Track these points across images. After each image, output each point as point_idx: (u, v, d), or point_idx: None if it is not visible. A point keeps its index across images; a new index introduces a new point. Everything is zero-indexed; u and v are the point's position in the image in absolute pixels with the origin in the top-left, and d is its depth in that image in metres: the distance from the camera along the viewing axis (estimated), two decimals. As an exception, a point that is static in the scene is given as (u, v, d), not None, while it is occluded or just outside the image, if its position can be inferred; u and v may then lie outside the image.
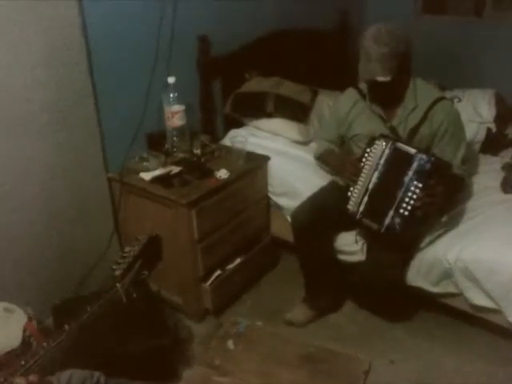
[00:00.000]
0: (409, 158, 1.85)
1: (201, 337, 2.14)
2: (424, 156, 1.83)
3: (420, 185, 1.83)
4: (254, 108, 2.52)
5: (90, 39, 1.95)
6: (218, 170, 2.15)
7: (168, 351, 1.94)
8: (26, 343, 1.81)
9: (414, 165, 1.83)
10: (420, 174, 1.83)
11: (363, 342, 2.09)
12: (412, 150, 1.85)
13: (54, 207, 2.02)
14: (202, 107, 2.47)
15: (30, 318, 1.85)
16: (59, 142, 1.97)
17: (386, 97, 1.99)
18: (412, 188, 1.84)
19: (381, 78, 1.83)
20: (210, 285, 2.15)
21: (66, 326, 1.18)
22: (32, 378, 1.03)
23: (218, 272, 2.22)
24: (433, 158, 1.82)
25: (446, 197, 1.88)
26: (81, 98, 1.99)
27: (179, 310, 2.21)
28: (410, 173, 1.84)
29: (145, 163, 2.12)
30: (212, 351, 1.63)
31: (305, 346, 1.68)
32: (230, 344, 1.66)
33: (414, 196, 1.83)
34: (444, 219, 1.98)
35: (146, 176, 2.07)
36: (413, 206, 1.84)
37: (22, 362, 1.06)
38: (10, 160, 1.83)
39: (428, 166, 1.82)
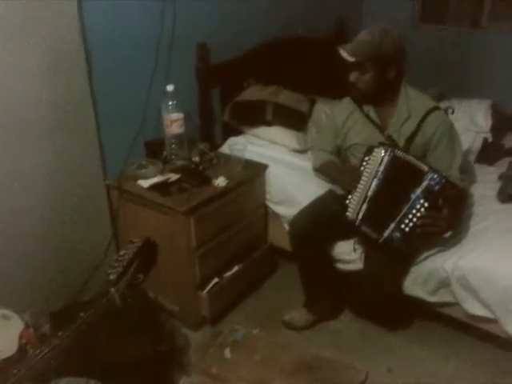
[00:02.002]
0: (419, 175, 1.84)
1: (197, 345, 2.13)
2: (436, 176, 1.81)
3: (426, 204, 1.82)
4: (252, 116, 2.53)
5: (89, 46, 1.97)
6: (217, 177, 2.15)
7: (164, 359, 1.93)
8: (22, 350, 1.80)
9: (424, 183, 1.82)
10: (428, 194, 1.82)
11: (361, 349, 2.09)
12: (424, 167, 1.84)
13: (52, 213, 2.02)
14: (200, 115, 2.49)
15: (26, 325, 1.84)
16: (58, 148, 1.98)
17: (372, 98, 2.01)
18: (418, 206, 1.83)
19: (344, 54, 1.90)
20: (207, 292, 2.14)
21: (60, 333, 1.18)
22: None
23: (216, 280, 2.22)
24: (443, 180, 1.81)
25: (451, 216, 1.86)
26: (79, 105, 2.00)
27: (176, 317, 2.20)
28: (419, 190, 1.83)
29: (143, 170, 2.13)
30: (209, 359, 1.62)
31: (302, 353, 1.67)
32: (227, 352, 1.65)
33: (418, 214, 1.83)
34: (447, 235, 1.96)
35: (144, 183, 2.07)
36: (415, 223, 1.83)
37: (14, 371, 1.06)
38: (8, 165, 1.83)
39: (438, 187, 1.81)
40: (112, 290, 1.26)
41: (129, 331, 1.77)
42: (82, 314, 1.21)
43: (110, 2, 2.00)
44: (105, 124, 2.11)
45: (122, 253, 1.37)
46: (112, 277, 1.29)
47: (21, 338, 1.79)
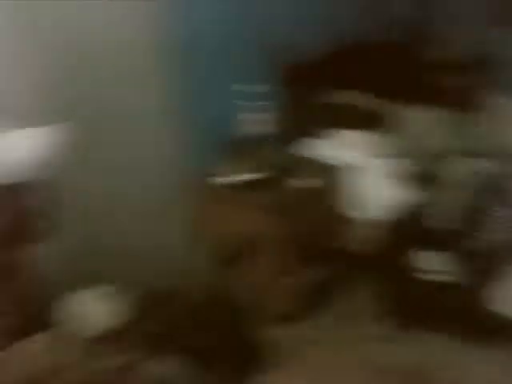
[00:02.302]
0: None
1: (274, 341, 2.15)
2: None
3: None
4: (332, 119, 2.55)
5: (180, 43, 2.04)
6: (298, 180, 2.18)
7: (244, 351, 1.98)
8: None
9: None
10: None
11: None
12: None
13: (138, 206, 2.12)
14: (282, 116, 2.52)
15: (125, 303, 1.95)
16: (143, 143, 2.07)
17: None
18: None
19: None
20: (290, 291, 2.18)
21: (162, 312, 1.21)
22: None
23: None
24: None
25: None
26: (167, 101, 2.08)
27: (255, 311, 2.22)
28: None
29: (227, 168, 2.20)
30: (288, 356, 1.61)
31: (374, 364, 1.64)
32: (307, 350, 1.64)
33: None
34: None
35: (228, 180, 2.15)
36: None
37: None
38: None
39: None
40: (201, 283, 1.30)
41: (212, 318, 1.81)
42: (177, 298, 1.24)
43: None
44: (190, 122, 2.16)
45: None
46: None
47: (122, 313, 1.90)
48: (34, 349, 0.95)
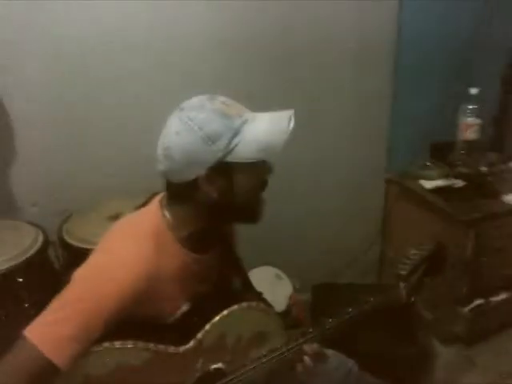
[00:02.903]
0: None
1: (445, 361, 2.03)
2: None
3: None
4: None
5: (402, 39, 2.00)
6: (507, 193, 1.97)
7: (411, 364, 1.90)
8: (287, 310, 2.02)
9: None
10: None
11: None
12: None
13: (330, 199, 2.15)
14: (496, 123, 2.30)
15: (294, 289, 2.05)
16: (348, 139, 2.09)
17: None
18: None
19: None
20: (470, 311, 2.01)
21: (350, 309, 1.23)
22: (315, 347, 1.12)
23: (480, 301, 2.05)
24: None
25: None
26: (378, 99, 2.07)
27: (428, 325, 2.13)
28: None
29: (427, 171, 2.09)
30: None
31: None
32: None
33: None
34: None
35: (427, 184, 2.04)
36: None
37: (310, 330, 1.16)
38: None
39: None
40: (401, 284, 1.27)
41: (390, 326, 1.78)
42: (371, 299, 1.24)
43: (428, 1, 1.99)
44: (396, 120, 2.13)
45: (412, 252, 1.37)
46: (403, 272, 1.30)
47: (289, 299, 2.00)
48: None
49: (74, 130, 1.68)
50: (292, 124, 0.95)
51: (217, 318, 1.03)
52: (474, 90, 2.03)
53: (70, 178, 1.73)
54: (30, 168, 1.66)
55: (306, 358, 1.08)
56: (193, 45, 1.72)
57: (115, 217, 1.53)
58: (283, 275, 2.08)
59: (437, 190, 2.00)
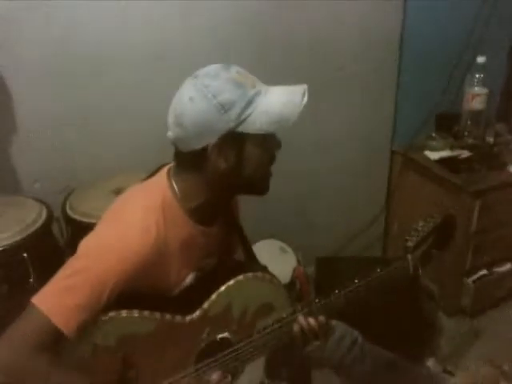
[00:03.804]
0: None
1: (450, 332, 2.04)
2: None
3: None
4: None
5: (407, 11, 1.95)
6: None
7: (417, 336, 1.91)
8: (291, 283, 2.02)
9: None
10: None
11: None
12: None
13: (337, 171, 2.13)
14: (503, 93, 2.26)
15: (299, 262, 2.05)
16: (354, 111, 2.06)
17: None
18: None
19: None
20: (474, 282, 2.01)
21: (357, 280, 1.22)
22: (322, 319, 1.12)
23: (484, 271, 2.05)
24: None
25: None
26: (384, 67, 2.03)
27: (433, 297, 2.13)
28: None
29: (433, 142, 2.06)
30: (500, 354, 1.51)
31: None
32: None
33: None
34: None
35: (433, 155, 2.01)
36: None
37: (317, 300, 1.15)
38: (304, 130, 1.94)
39: None
40: (409, 256, 1.26)
41: (396, 299, 1.77)
42: (378, 270, 1.23)
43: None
44: (403, 91, 2.09)
45: (420, 224, 1.35)
46: (410, 243, 1.28)
47: (294, 271, 2.00)
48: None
49: (76, 106, 1.65)
50: (306, 98, 0.94)
51: (223, 287, 1.03)
52: (481, 59, 1.99)
53: (72, 154, 1.71)
54: (32, 144, 1.65)
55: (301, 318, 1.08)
56: (193, 42, 1.70)
57: (118, 191, 1.52)
58: (288, 248, 2.08)
59: (442, 161, 1.98)
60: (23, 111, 1.60)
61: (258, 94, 0.93)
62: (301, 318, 1.07)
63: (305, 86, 0.95)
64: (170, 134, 0.97)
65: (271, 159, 1.02)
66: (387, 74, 2.04)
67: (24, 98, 1.58)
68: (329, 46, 1.90)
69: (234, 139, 0.93)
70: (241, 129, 0.92)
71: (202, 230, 1.04)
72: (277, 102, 0.94)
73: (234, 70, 0.95)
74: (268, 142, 0.98)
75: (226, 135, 0.92)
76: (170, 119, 0.96)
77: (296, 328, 1.07)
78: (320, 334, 1.10)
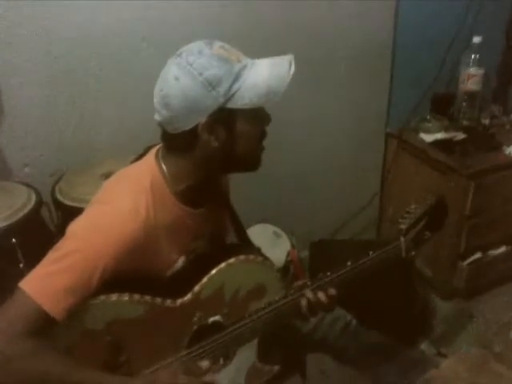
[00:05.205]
0: None
1: (444, 315, 2.04)
2: None
3: None
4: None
5: None
6: (508, 145, 1.93)
7: (411, 320, 1.91)
8: (285, 267, 2.01)
9: None
10: None
11: None
12: None
13: (331, 155, 2.11)
14: (499, 74, 2.24)
15: (293, 246, 2.03)
16: (350, 95, 2.04)
17: None
18: None
19: None
20: (469, 265, 2.01)
21: (349, 263, 1.21)
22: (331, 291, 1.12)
23: (479, 254, 2.05)
24: None
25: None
26: (380, 49, 2.00)
27: (427, 282, 2.13)
28: None
29: (427, 124, 2.04)
30: (492, 336, 1.52)
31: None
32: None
33: None
34: None
35: (427, 137, 2.00)
36: None
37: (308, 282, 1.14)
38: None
39: None
40: (402, 239, 1.24)
41: (391, 282, 1.77)
42: (371, 253, 1.22)
43: None
44: (398, 73, 2.07)
45: (413, 206, 1.34)
46: (403, 226, 1.27)
47: (288, 255, 1.99)
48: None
49: (63, 90, 1.62)
50: (293, 69, 0.92)
51: (214, 270, 1.02)
52: (476, 39, 1.96)
53: (61, 138, 1.68)
54: (20, 128, 1.61)
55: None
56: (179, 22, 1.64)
57: (108, 175, 1.48)
58: (281, 232, 2.06)
59: (437, 144, 1.96)
60: (11, 93, 1.56)
61: (244, 67, 0.91)
62: (308, 292, 1.08)
63: (291, 57, 0.93)
64: (156, 116, 0.94)
65: (262, 134, 1.00)
66: (382, 54, 2.01)
67: (12, 82, 1.54)
68: (322, 27, 1.86)
69: (224, 116, 0.91)
70: (230, 105, 0.90)
71: (190, 212, 1.03)
72: (264, 75, 0.92)
73: (218, 45, 0.92)
74: (258, 117, 0.96)
75: (215, 113, 0.90)
76: (156, 101, 0.93)
77: (303, 302, 1.07)
78: (329, 307, 1.11)
